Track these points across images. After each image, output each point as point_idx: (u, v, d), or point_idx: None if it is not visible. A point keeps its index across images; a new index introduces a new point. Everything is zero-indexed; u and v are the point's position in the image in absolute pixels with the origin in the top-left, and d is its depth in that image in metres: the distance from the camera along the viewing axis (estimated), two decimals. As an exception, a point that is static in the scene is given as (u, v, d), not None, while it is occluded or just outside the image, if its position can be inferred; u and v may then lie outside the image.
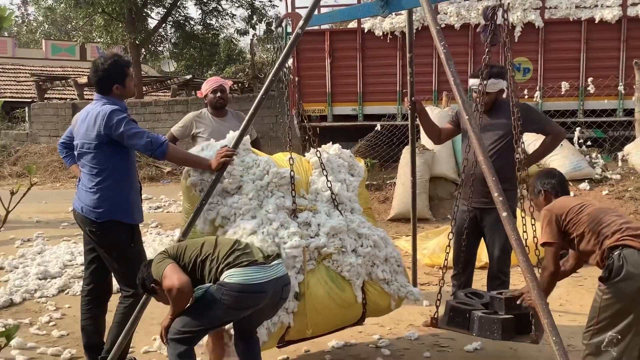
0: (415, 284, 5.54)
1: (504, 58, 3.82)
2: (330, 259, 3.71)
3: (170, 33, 21.94)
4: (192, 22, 21.09)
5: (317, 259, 3.68)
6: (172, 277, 3.03)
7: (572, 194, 3.65)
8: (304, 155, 4.24)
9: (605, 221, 3.15)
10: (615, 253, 3.05)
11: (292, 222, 3.70)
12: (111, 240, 3.65)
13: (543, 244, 3.29)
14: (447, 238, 4.19)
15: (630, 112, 9.63)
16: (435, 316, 3.92)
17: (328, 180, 3.93)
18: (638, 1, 9.95)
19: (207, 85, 5.14)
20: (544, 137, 4.45)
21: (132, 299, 3.71)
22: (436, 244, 6.53)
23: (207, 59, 23.71)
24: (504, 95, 4.36)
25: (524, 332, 3.56)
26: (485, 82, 4.16)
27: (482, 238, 4.51)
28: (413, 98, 4.67)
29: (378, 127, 10.28)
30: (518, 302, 3.54)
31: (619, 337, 3.01)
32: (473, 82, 4.29)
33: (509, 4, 3.74)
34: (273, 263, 3.13)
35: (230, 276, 3.01)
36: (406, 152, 8.76)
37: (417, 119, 4.73)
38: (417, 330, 4.58)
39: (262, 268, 3.06)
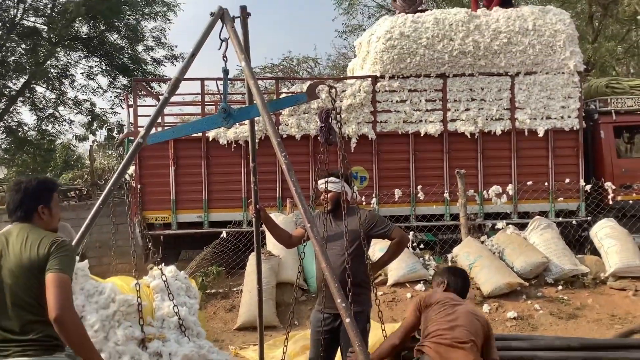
0: (263, 395, 5.41)
1: (340, 160, 4.07)
2: None
3: (1, 139, 20.64)
4: (25, 128, 20.10)
5: None
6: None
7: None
8: (145, 277, 4.11)
9: (435, 321, 3.41)
10: (416, 357, 3.35)
11: (143, 354, 3.53)
12: None
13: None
14: (284, 344, 4.23)
15: (456, 217, 10.52)
16: None
17: (175, 305, 3.83)
18: (456, 117, 11.13)
19: None
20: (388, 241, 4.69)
21: None
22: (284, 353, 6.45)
23: (42, 165, 22.48)
24: (348, 200, 4.59)
25: None
26: (326, 180, 4.42)
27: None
28: (258, 205, 4.77)
29: (224, 234, 10.23)
30: None
31: None
32: (319, 182, 4.55)
33: (340, 107, 4.09)
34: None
35: None
36: (252, 259, 8.76)
37: (263, 226, 4.81)
38: None
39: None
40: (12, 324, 2.69)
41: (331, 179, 4.52)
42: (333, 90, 3.99)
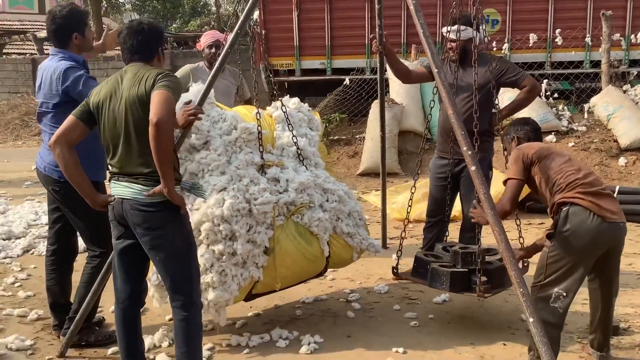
0: (385, 238, 5.61)
1: (474, 8, 3.76)
2: (299, 213, 3.72)
3: (132, -16, 21.22)
4: (154, -26, 20.46)
5: (287, 214, 3.70)
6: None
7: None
8: (267, 108, 4.21)
9: (564, 171, 3.17)
10: (563, 209, 3.11)
11: (261, 178, 3.69)
12: (75, 199, 3.54)
13: (507, 180, 3.31)
14: (410, 192, 4.25)
15: (597, 64, 9.68)
16: (396, 266, 4.09)
17: (294, 136, 3.93)
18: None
19: (205, 39, 5.18)
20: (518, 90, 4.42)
21: (100, 259, 3.67)
22: (405, 198, 6.55)
23: (171, 11, 23.13)
24: (477, 46, 4.30)
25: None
26: (451, 28, 4.16)
27: (459, 190, 4.52)
28: (383, 42, 4.54)
29: (347, 81, 10.17)
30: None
31: (564, 294, 3.09)
32: (444, 29, 4.31)
33: None
34: (119, 183, 2.89)
35: None
36: (375, 107, 8.72)
37: (387, 73, 4.68)
38: (387, 284, 4.63)
39: (114, 183, 2.92)
40: (124, 161, 2.87)
41: (454, 27, 4.22)
42: None
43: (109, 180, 2.99)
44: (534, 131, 3.53)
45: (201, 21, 24.41)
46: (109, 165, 2.96)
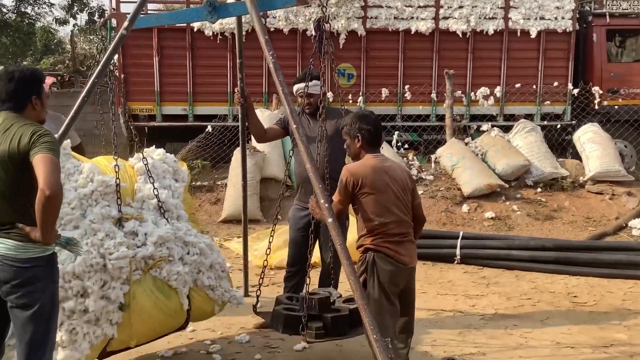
0: (247, 286, 5.63)
1: (327, 66, 4.02)
2: (157, 267, 3.67)
3: (-22, 20, 19.93)
4: (4, 10, 19.36)
5: (144, 268, 3.64)
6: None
7: (382, 148, 3.90)
8: (129, 159, 4.15)
9: (377, 216, 3.40)
10: (369, 255, 3.42)
11: (118, 232, 3.62)
12: None
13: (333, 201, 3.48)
14: (270, 237, 4.35)
15: (441, 118, 10.52)
16: (256, 304, 4.17)
17: (155, 188, 3.89)
18: (449, 15, 10.86)
19: (50, 82, 4.88)
20: None
21: None
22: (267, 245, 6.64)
23: (22, 48, 21.87)
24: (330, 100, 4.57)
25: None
26: (307, 84, 4.37)
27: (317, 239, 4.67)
28: (245, 93, 4.68)
29: (209, 128, 10.19)
30: None
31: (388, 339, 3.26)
32: (297, 86, 4.51)
33: (328, 16, 4.02)
34: None
35: None
36: (237, 154, 8.79)
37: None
38: (248, 332, 4.65)
39: None
40: None
41: (314, 82, 4.45)
42: None
43: None
44: (375, 132, 3.57)
45: (54, 59, 23.30)
46: None
